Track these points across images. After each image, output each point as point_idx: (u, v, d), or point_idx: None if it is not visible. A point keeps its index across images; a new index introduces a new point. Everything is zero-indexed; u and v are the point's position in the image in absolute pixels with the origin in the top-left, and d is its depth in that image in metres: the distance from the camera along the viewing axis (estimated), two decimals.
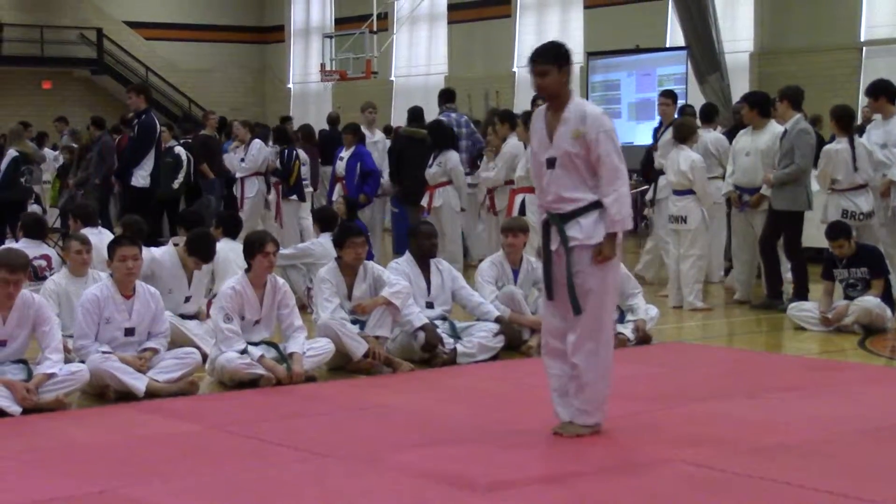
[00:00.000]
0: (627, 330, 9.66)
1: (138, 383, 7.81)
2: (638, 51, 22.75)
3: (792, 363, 9.42)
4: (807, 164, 11.37)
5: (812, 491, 5.61)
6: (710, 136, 13.25)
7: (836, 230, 10.57)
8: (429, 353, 9.04)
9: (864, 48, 22.15)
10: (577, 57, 25.96)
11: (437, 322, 9.25)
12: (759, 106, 11.88)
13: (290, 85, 35.02)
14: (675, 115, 13.52)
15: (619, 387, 6.94)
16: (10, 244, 11.42)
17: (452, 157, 14.07)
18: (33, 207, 17.56)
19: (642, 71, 21.94)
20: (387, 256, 14.65)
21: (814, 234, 12.02)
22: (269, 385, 8.16)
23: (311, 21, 34.08)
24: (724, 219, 13.11)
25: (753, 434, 6.69)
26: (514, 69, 27.75)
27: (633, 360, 8.78)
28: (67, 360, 7.80)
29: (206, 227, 10.61)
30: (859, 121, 16.46)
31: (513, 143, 13.43)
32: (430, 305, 9.46)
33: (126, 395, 7.79)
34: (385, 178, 15.48)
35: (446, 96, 16.38)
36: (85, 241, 9.20)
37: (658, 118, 14.38)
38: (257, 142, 16.14)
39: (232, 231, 11.09)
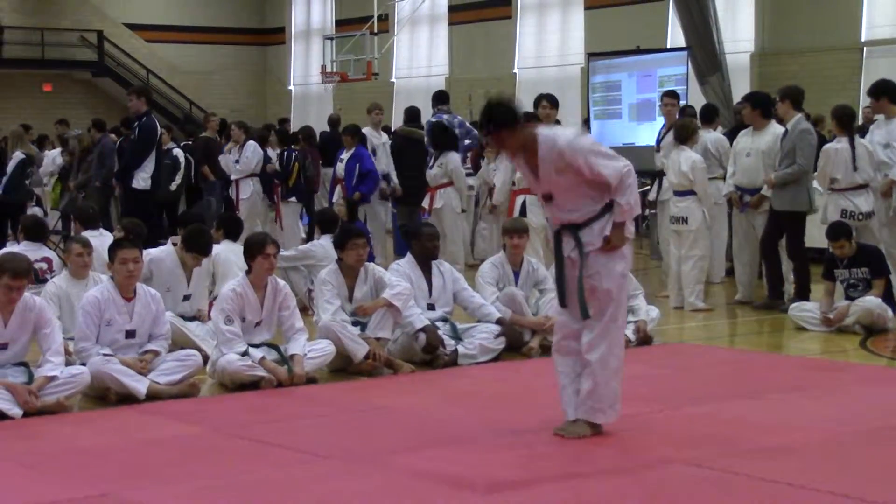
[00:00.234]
0: (629, 331, 9.64)
1: (139, 386, 7.81)
2: (639, 52, 22.73)
3: (793, 364, 9.42)
4: (808, 165, 11.37)
5: (814, 491, 5.61)
6: (711, 136, 13.25)
7: (837, 230, 10.57)
8: (430, 354, 9.04)
9: (865, 48, 22.14)
10: (578, 58, 26.04)
11: (438, 323, 9.25)
12: (762, 106, 11.88)
13: (291, 87, 35.02)
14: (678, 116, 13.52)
15: (621, 388, 6.94)
16: (11, 245, 11.43)
17: (453, 159, 14.07)
18: (34, 210, 17.59)
19: (643, 72, 21.91)
20: (387, 258, 14.64)
21: (815, 235, 12.03)
22: (270, 387, 8.16)
23: (312, 23, 34.08)
24: (726, 219, 13.11)
25: (755, 435, 6.69)
26: (515, 70, 27.75)
27: (634, 361, 8.74)
28: (68, 363, 7.80)
29: (200, 222, 10.65)
30: (860, 121, 16.48)
31: None
32: (431, 307, 9.46)
33: (127, 398, 7.79)
34: (395, 180, 15.47)
35: (440, 98, 16.43)
36: (86, 244, 9.21)
37: (659, 119, 14.38)
38: (251, 143, 16.13)
39: (232, 233, 11.10)
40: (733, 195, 11.95)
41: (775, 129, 11.77)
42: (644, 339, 9.79)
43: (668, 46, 23.48)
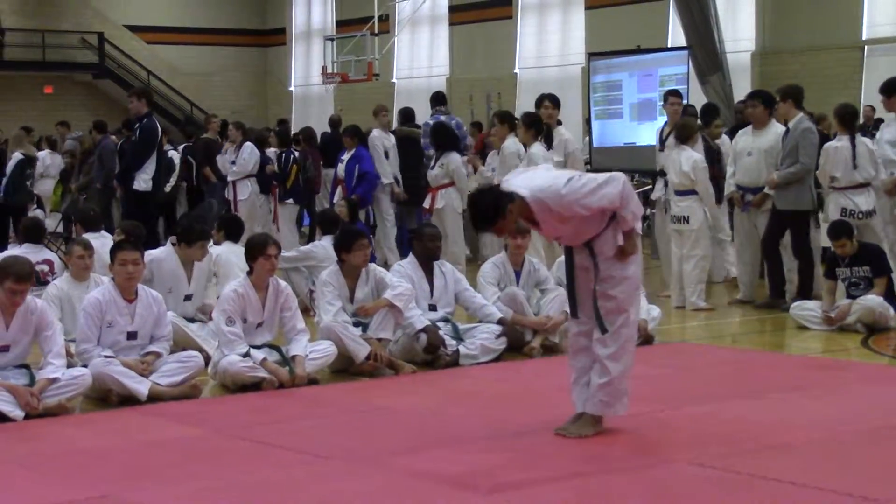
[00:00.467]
0: None
1: (141, 387, 7.81)
2: (639, 51, 22.72)
3: (795, 363, 9.41)
4: (811, 164, 11.36)
5: (816, 490, 5.60)
6: None
7: (838, 229, 10.57)
8: (431, 354, 9.04)
9: (866, 47, 22.15)
10: (579, 58, 26.04)
11: (440, 324, 9.25)
12: (772, 105, 11.87)
13: (292, 88, 35.04)
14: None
15: (627, 384, 6.94)
16: (13, 248, 11.43)
17: (454, 159, 14.06)
18: (36, 212, 17.57)
19: (644, 71, 21.89)
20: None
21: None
22: (271, 388, 8.16)
23: (313, 24, 34.09)
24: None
25: (757, 434, 6.69)
26: (516, 70, 27.76)
27: (636, 361, 8.73)
28: (70, 365, 7.80)
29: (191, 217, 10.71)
30: (860, 120, 16.46)
31: (511, 143, 13.41)
32: (432, 308, 9.46)
33: (129, 399, 7.79)
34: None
35: (437, 99, 16.43)
36: (87, 246, 9.21)
37: (660, 118, 14.36)
38: (248, 144, 16.10)
39: (234, 234, 11.10)
40: (735, 195, 11.93)
41: (777, 127, 11.76)
42: (645, 339, 9.78)
43: (669, 46, 23.49)
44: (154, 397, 7.82)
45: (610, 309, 6.57)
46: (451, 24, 29.55)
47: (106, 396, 7.85)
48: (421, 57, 30.47)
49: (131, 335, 8.12)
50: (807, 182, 11.40)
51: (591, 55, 23.20)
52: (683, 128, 12.04)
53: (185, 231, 9.53)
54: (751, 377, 8.63)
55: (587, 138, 21.99)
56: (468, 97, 25.77)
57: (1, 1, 32.37)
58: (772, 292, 11.76)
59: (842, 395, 7.88)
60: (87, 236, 10.28)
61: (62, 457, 6.56)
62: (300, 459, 6.35)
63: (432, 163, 14.14)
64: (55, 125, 23.27)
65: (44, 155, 19.60)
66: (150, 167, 13.15)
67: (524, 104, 22.87)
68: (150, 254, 9.31)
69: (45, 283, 9.88)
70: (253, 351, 8.29)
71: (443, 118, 15.68)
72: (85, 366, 7.82)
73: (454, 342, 9.16)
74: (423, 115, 16.81)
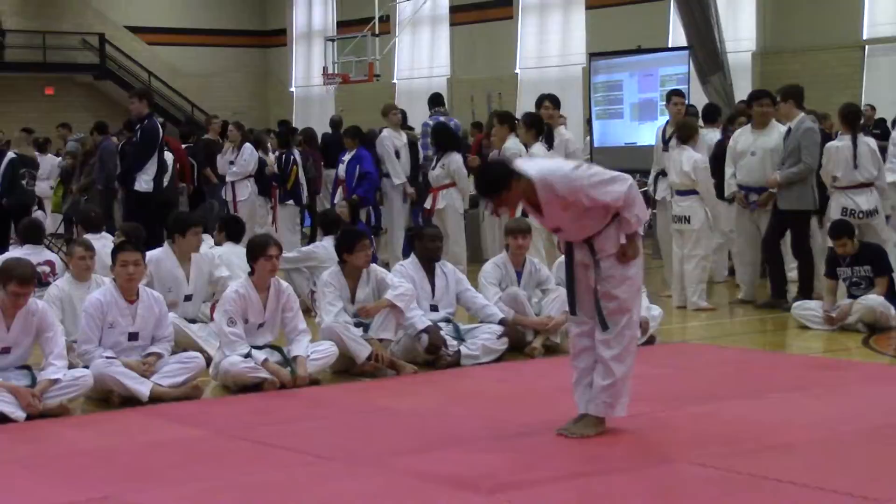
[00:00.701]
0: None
1: (142, 388, 7.81)
2: (640, 51, 22.73)
3: (796, 362, 9.42)
4: (814, 164, 11.36)
5: (817, 490, 5.61)
6: (714, 136, 13.23)
7: (839, 229, 10.57)
8: (432, 355, 9.04)
9: (867, 47, 22.14)
10: (580, 58, 26.04)
11: (441, 324, 9.25)
12: (776, 104, 11.85)
13: (293, 89, 35.03)
14: None
15: (629, 385, 6.95)
16: (14, 249, 11.43)
17: (456, 159, 14.06)
18: (37, 213, 17.56)
19: (644, 71, 21.90)
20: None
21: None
22: (272, 389, 8.16)
23: (314, 24, 34.08)
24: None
25: (758, 433, 6.69)
26: (517, 71, 27.76)
27: (637, 361, 8.73)
28: (71, 365, 7.80)
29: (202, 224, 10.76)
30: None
31: (512, 144, 13.41)
32: (434, 308, 9.46)
33: (130, 400, 7.79)
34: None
35: (435, 101, 16.43)
36: (89, 247, 9.22)
37: (660, 118, 14.34)
38: (248, 145, 16.10)
39: (235, 235, 11.11)
40: (738, 195, 11.91)
41: (779, 127, 11.77)
42: (647, 339, 9.78)
43: (670, 46, 23.48)
44: (155, 398, 7.82)
45: (613, 309, 6.58)
46: (452, 24, 29.54)
47: (107, 397, 7.86)
48: (422, 57, 30.47)
49: (133, 336, 8.12)
50: (809, 182, 11.40)
51: (592, 55, 23.21)
52: (684, 128, 12.04)
53: (176, 222, 9.56)
54: (752, 377, 8.63)
55: (588, 138, 21.99)
56: (469, 98, 25.75)
57: (2, 2, 32.37)
58: (773, 292, 11.76)
59: (843, 395, 7.88)
60: (88, 237, 10.29)
61: (64, 458, 6.57)
62: (301, 460, 6.35)
63: (433, 163, 14.14)
64: (56, 127, 23.27)
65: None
66: (150, 168, 13.14)
67: (525, 104, 22.86)
68: (149, 254, 9.30)
69: (47, 284, 9.87)
70: (254, 352, 8.29)
71: (441, 119, 15.67)
72: (86, 367, 7.83)
73: (455, 342, 9.16)
74: (423, 116, 16.79)
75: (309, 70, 34.05)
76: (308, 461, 6.34)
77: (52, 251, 11.73)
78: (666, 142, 12.58)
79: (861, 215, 11.18)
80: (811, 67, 21.94)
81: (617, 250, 6.55)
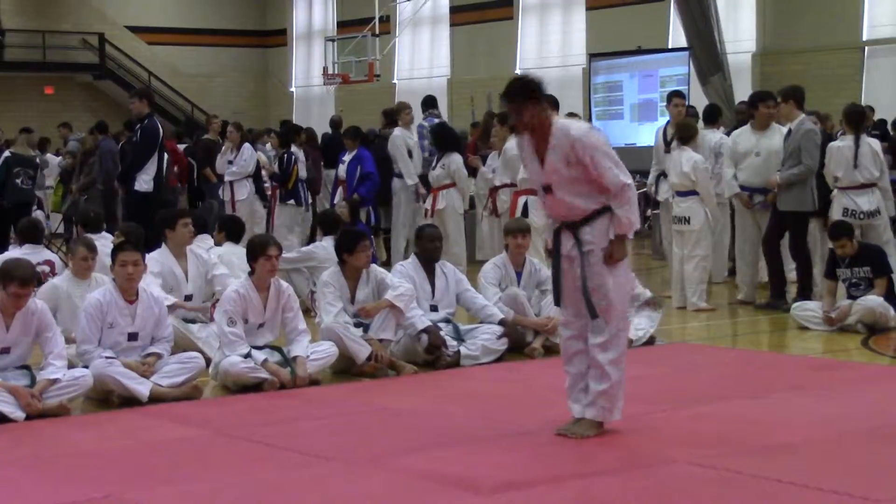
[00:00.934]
0: (629, 331, 9.64)
1: (142, 388, 7.81)
2: (640, 52, 22.75)
3: (796, 363, 9.42)
4: (815, 165, 11.36)
5: (817, 490, 5.61)
6: (715, 136, 13.23)
7: (838, 230, 10.58)
8: (432, 355, 9.04)
9: (867, 48, 22.14)
10: (580, 59, 26.04)
11: (441, 324, 9.25)
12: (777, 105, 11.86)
13: (293, 89, 35.02)
14: None
15: (624, 388, 6.95)
16: (13, 249, 11.43)
17: (456, 160, 14.08)
18: (37, 213, 17.56)
19: (644, 72, 21.94)
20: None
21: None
22: (272, 389, 8.16)
23: (314, 25, 34.07)
24: (728, 219, 13.09)
25: (758, 434, 6.69)
26: (517, 71, 27.73)
27: (636, 361, 8.73)
28: (71, 365, 7.80)
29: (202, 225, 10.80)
30: None
31: (513, 144, 13.41)
32: (434, 308, 9.46)
33: (130, 401, 7.79)
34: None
35: (429, 102, 16.41)
36: (92, 248, 9.18)
37: (660, 119, 14.35)
38: (248, 146, 16.09)
39: (234, 235, 11.11)
40: (742, 196, 11.89)
41: (780, 128, 11.78)
42: (647, 340, 9.80)
43: (670, 47, 23.49)
44: (155, 398, 7.82)
45: (605, 308, 6.54)
46: (452, 24, 29.53)
47: (107, 397, 7.86)
48: (422, 58, 30.46)
49: (132, 336, 8.12)
50: (808, 184, 11.40)
51: (592, 56, 23.24)
52: (684, 128, 12.04)
53: (163, 218, 9.57)
54: (751, 377, 8.63)
55: None
56: (469, 98, 25.75)
57: (1, 1, 32.37)
58: (772, 293, 11.76)
59: (842, 396, 7.88)
60: (88, 237, 10.28)
61: (63, 458, 6.57)
62: (301, 460, 6.35)
63: (433, 163, 14.16)
64: (57, 126, 23.28)
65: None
66: (151, 168, 13.15)
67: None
68: (148, 256, 9.30)
69: None
70: (254, 352, 8.29)
71: (436, 121, 15.68)
72: (86, 367, 7.83)
73: (455, 343, 9.16)
74: (421, 117, 16.81)
75: (309, 70, 34.05)
76: (308, 461, 6.34)
77: (52, 251, 11.72)
78: (668, 143, 12.58)
79: (862, 216, 11.18)
80: (811, 68, 21.94)
81: (604, 247, 6.49)
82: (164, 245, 9.61)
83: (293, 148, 16.48)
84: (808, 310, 10.61)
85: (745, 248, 12.19)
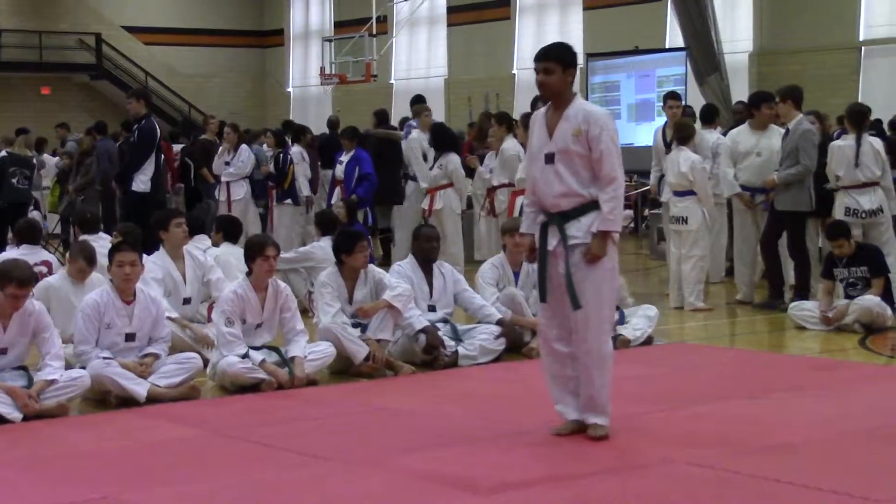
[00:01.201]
0: (627, 331, 9.65)
1: (139, 389, 7.80)
2: (637, 52, 22.75)
3: (793, 363, 9.42)
4: (812, 165, 11.36)
5: (816, 490, 5.61)
6: (712, 137, 13.24)
7: (836, 230, 10.59)
8: (430, 355, 9.04)
9: (863, 48, 22.16)
10: (578, 58, 26.06)
11: (439, 325, 9.24)
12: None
13: (290, 89, 35.02)
14: None
15: (621, 388, 6.95)
16: (11, 249, 11.41)
17: (453, 160, 14.08)
18: (33, 214, 17.54)
19: (642, 72, 21.94)
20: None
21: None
22: (270, 389, 8.15)
23: (311, 25, 34.08)
24: (726, 220, 13.10)
25: (756, 434, 6.69)
26: (514, 71, 27.75)
27: (634, 361, 8.78)
28: (68, 365, 7.79)
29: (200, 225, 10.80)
30: None
31: (511, 145, 13.43)
32: (432, 308, 9.46)
33: (127, 401, 7.79)
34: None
35: (417, 101, 16.39)
36: (91, 262, 9.09)
37: (658, 119, 14.35)
38: (245, 147, 16.08)
39: (232, 235, 11.10)
40: (744, 196, 11.89)
41: (777, 128, 11.78)
42: (645, 339, 9.80)
43: (667, 47, 23.50)
44: (153, 399, 7.81)
45: (584, 301, 6.48)
46: (450, 24, 29.55)
47: (104, 398, 7.85)
48: (419, 58, 30.47)
49: (130, 336, 8.11)
50: (806, 183, 11.40)
51: (590, 56, 23.22)
52: (682, 128, 12.04)
53: (157, 220, 9.55)
54: (749, 377, 8.63)
55: None
56: (466, 98, 25.76)
57: None
58: (770, 293, 11.76)
59: (840, 395, 7.88)
60: (85, 238, 10.27)
61: (61, 458, 6.56)
62: (299, 460, 6.35)
63: (431, 164, 14.16)
64: (55, 127, 23.26)
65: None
66: (148, 168, 13.15)
67: (522, 105, 22.85)
68: (146, 260, 9.29)
69: None
70: (252, 352, 8.29)
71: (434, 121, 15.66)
72: (83, 367, 7.82)
73: (453, 343, 9.16)
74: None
75: (306, 70, 34.05)
76: (305, 461, 6.33)
77: (49, 251, 11.70)
78: (668, 145, 12.58)
79: (864, 215, 11.18)
80: (808, 68, 21.95)
81: (589, 243, 6.46)
82: (161, 248, 9.59)
83: (297, 148, 16.51)
84: (806, 310, 10.61)
85: (743, 249, 12.19)
